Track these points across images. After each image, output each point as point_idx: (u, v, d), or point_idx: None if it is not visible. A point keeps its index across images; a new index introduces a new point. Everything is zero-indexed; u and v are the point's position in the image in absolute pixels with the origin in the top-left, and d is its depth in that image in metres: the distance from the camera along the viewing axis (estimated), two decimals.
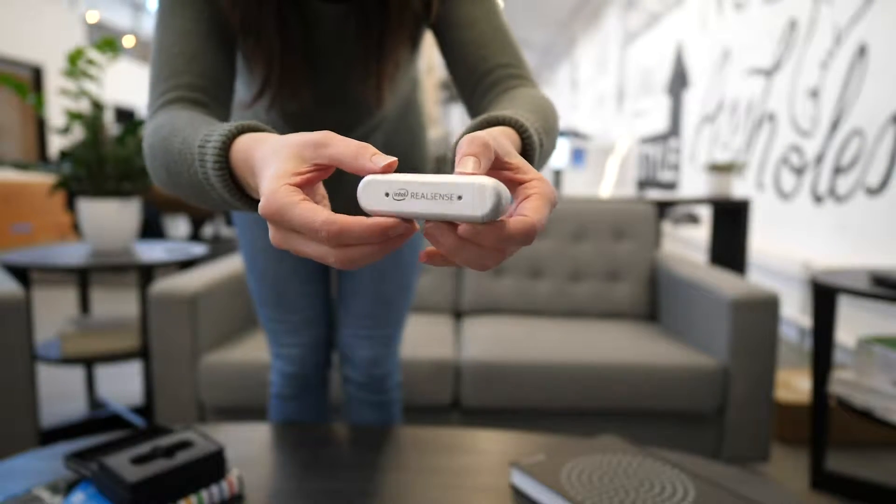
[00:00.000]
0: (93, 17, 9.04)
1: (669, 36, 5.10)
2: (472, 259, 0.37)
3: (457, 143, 0.40)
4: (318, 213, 0.35)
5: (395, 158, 0.37)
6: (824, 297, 1.50)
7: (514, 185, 0.39)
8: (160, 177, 0.56)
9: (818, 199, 2.86)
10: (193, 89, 0.61)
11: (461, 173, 0.36)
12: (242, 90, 0.77)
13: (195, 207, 4.66)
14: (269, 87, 0.70)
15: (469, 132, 0.47)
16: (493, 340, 1.60)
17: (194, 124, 0.52)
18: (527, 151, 0.50)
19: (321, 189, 0.42)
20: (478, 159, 0.36)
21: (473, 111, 0.70)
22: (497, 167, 0.40)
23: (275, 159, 0.39)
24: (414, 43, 0.77)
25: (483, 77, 0.68)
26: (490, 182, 0.33)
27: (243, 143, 0.44)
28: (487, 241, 0.35)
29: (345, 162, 0.37)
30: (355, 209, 0.51)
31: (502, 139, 0.42)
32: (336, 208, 0.67)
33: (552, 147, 0.59)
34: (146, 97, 0.63)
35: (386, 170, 0.36)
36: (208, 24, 0.63)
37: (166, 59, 0.61)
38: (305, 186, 0.38)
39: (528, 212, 0.36)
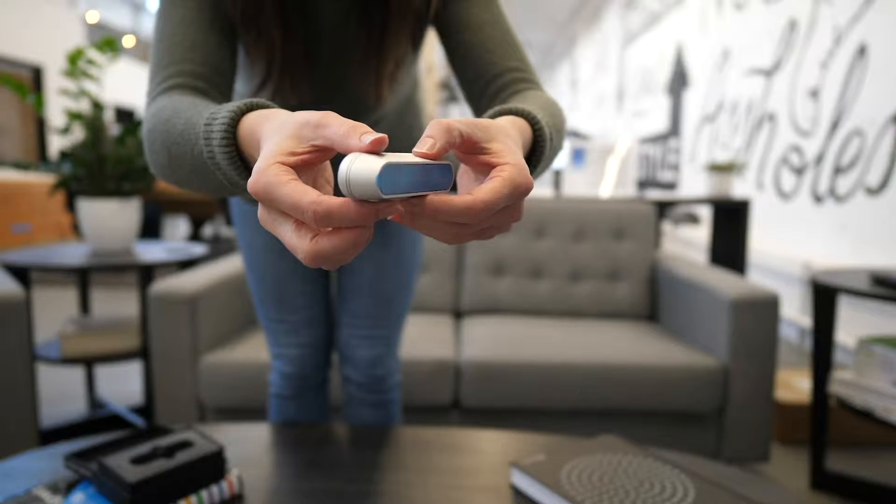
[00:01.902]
0: (93, 17, 9.04)
1: (669, 36, 5.10)
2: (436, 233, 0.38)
3: None
4: (307, 193, 0.33)
5: (384, 135, 0.34)
6: (824, 297, 1.50)
7: (489, 168, 0.39)
8: (160, 160, 0.54)
9: (818, 199, 2.86)
10: (194, 76, 0.60)
11: (416, 153, 0.36)
12: (242, 84, 0.77)
13: (195, 208, 4.65)
14: (270, 81, 0.70)
15: None
16: (493, 340, 1.60)
17: (198, 107, 0.51)
18: (537, 143, 0.50)
19: (327, 172, 0.40)
20: (434, 140, 0.36)
21: (480, 115, 0.70)
22: (475, 151, 0.39)
23: (275, 136, 0.38)
24: (415, 42, 0.77)
25: (492, 81, 0.68)
26: (367, 161, 0.32)
27: (251, 119, 0.43)
28: (427, 212, 0.36)
29: (336, 142, 0.35)
30: None
31: (502, 127, 0.41)
32: None
33: (560, 145, 0.59)
34: (146, 87, 0.62)
35: (373, 147, 0.33)
36: (210, 13, 0.63)
37: (167, 48, 0.61)
38: (302, 168, 0.36)
39: (476, 191, 0.36)
